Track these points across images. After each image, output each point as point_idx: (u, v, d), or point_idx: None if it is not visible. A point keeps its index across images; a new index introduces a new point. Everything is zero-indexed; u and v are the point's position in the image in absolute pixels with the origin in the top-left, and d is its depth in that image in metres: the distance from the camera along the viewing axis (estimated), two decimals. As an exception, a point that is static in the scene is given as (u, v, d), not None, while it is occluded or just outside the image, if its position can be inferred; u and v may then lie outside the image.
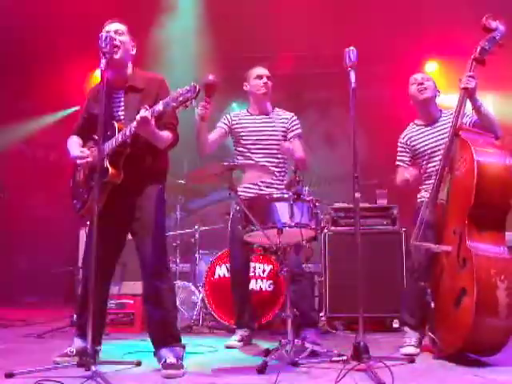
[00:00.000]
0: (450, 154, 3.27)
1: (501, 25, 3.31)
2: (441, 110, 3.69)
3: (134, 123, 2.88)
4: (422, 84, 3.65)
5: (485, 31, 3.32)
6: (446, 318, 3.12)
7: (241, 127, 4.00)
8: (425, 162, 3.64)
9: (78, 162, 3.16)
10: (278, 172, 3.90)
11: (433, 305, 3.17)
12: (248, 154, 3.94)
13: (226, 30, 6.21)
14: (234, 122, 4.02)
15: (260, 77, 4.00)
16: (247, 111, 4.10)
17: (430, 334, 3.23)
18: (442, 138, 3.53)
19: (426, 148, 3.63)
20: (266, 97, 4.04)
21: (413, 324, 3.43)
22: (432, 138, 3.62)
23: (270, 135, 3.94)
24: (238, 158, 4.00)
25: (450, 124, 3.37)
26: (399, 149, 3.76)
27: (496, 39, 3.30)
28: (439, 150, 3.52)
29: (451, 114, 3.53)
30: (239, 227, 3.21)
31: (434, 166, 3.51)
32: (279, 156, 3.93)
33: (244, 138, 3.98)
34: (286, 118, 4.01)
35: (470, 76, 3.30)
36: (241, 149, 3.99)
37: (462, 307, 2.98)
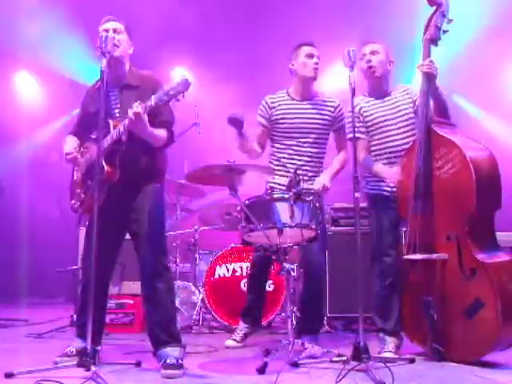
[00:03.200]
0: (428, 154, 3.10)
1: None
2: (392, 87, 3.53)
3: (127, 120, 2.88)
4: (369, 61, 3.41)
5: (430, 5, 3.18)
6: (456, 328, 2.99)
7: (280, 113, 3.68)
8: (375, 139, 3.47)
9: (67, 157, 3.17)
10: (315, 162, 3.68)
11: (435, 317, 3.03)
12: (286, 142, 3.68)
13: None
14: (272, 110, 3.69)
15: (310, 56, 3.63)
16: (287, 94, 3.75)
17: (433, 344, 3.05)
18: (392, 113, 3.43)
19: (376, 121, 3.46)
20: (314, 81, 3.68)
21: (388, 329, 3.33)
22: (385, 110, 3.45)
23: (311, 123, 3.65)
24: (274, 145, 3.75)
25: (404, 104, 3.37)
26: (349, 120, 3.38)
27: (445, 15, 3.17)
28: (393, 124, 3.42)
29: (402, 90, 3.48)
30: (239, 226, 3.19)
31: (386, 144, 3.43)
32: (320, 146, 3.69)
33: (283, 124, 3.67)
34: (333, 107, 3.69)
35: (431, 61, 3.17)
36: (278, 136, 3.72)
37: (480, 318, 2.89)
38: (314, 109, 3.69)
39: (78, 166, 3.24)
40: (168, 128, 3.10)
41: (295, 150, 3.67)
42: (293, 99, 3.72)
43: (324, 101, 3.73)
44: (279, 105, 3.71)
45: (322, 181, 3.55)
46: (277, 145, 3.74)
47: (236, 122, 3.44)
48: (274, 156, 3.76)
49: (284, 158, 3.70)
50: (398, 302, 3.31)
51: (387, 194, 3.45)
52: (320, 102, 3.72)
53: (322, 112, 3.69)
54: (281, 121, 3.69)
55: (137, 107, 2.83)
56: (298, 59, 3.65)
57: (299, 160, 3.64)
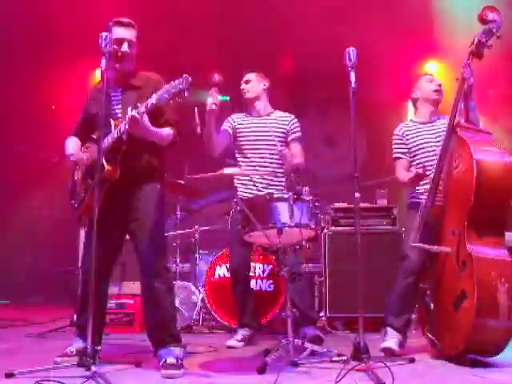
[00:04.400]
0: (447, 153, 3.23)
1: (498, 16, 3.23)
2: (439, 114, 3.70)
3: (127, 120, 2.88)
4: (440, 85, 3.68)
5: (481, 23, 3.24)
6: (445, 319, 3.09)
7: (240, 128, 4.05)
8: (417, 160, 3.60)
9: (72, 158, 3.17)
10: (274, 172, 3.90)
11: (432, 306, 3.14)
12: (248, 155, 3.97)
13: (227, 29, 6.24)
14: (235, 124, 4.07)
15: (244, 82, 4.14)
16: (248, 112, 4.16)
17: (429, 335, 3.20)
18: (437, 137, 3.53)
19: (419, 143, 3.61)
20: (251, 100, 4.09)
21: (397, 326, 3.36)
22: (427, 135, 3.61)
23: (268, 136, 3.95)
24: (238, 158, 4.05)
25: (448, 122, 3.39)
26: (396, 141, 3.70)
27: (493, 31, 3.21)
28: (433, 149, 3.52)
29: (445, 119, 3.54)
30: (238, 227, 3.21)
31: (427, 165, 3.48)
32: (276, 157, 3.91)
33: (243, 138, 4.03)
34: (286, 120, 4.04)
35: (469, 69, 3.24)
36: (240, 150, 4.04)
37: (461, 310, 2.95)
38: (269, 123, 4.03)
39: (79, 165, 3.24)
40: (173, 126, 3.10)
41: (256, 162, 3.94)
42: (250, 115, 4.12)
43: (279, 116, 4.08)
44: (241, 120, 4.10)
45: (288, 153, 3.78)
46: (241, 158, 4.02)
47: (216, 86, 3.68)
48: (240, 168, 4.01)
49: (247, 170, 3.95)
50: (414, 304, 3.39)
51: (423, 200, 3.47)
52: (275, 117, 4.08)
53: (277, 125, 4.02)
54: (242, 133, 4.03)
55: (131, 111, 2.83)
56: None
57: (260, 170, 3.89)
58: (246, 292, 4.02)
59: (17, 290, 7.07)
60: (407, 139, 3.66)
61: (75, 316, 3.45)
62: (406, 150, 3.66)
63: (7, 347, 3.72)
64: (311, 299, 4.54)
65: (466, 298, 2.93)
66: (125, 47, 3.09)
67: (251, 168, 3.94)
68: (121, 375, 2.81)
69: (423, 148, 3.60)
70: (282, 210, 3.06)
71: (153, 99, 2.83)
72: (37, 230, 7.46)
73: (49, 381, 2.58)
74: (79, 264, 3.92)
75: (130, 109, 2.86)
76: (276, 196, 3.19)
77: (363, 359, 2.76)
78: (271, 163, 3.92)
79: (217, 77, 3.68)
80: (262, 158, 3.94)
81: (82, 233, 4.65)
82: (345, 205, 4.74)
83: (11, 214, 7.32)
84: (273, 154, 3.92)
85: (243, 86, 4.11)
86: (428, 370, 2.93)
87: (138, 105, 2.87)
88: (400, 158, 3.67)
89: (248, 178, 3.94)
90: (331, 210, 4.73)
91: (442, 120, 3.63)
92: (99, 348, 3.05)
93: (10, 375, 2.67)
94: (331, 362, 3.01)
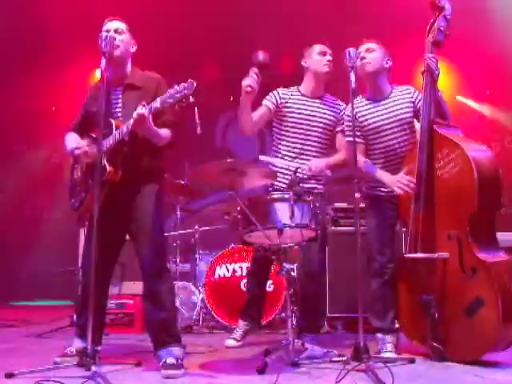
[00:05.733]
0: (427, 153, 3.11)
1: (449, 1, 3.18)
2: (392, 85, 3.49)
3: (131, 121, 2.88)
4: (363, 58, 3.38)
5: (433, 9, 3.20)
6: (456, 327, 2.98)
7: (289, 107, 3.70)
8: (371, 143, 3.45)
9: (76, 152, 3.15)
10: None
11: (436, 315, 3.01)
12: (292, 140, 3.69)
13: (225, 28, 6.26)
14: (282, 101, 3.70)
15: (324, 53, 3.69)
16: (298, 90, 3.78)
17: (433, 343, 3.04)
18: (391, 117, 3.39)
19: (371, 126, 3.42)
20: (326, 78, 3.72)
21: (386, 328, 3.32)
22: (381, 115, 3.41)
23: (320, 122, 3.68)
24: (276, 140, 3.76)
25: (402, 105, 3.34)
26: (348, 123, 3.42)
27: (447, 18, 3.16)
28: (389, 128, 3.39)
29: (405, 90, 3.44)
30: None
31: (383, 148, 3.41)
32: (323, 146, 3.71)
33: (290, 119, 3.69)
34: (339, 109, 3.74)
35: (434, 56, 3.16)
36: (283, 131, 3.72)
37: (480, 317, 2.88)
38: (322, 107, 3.73)
39: (79, 163, 3.23)
40: (171, 127, 3.10)
41: (299, 149, 3.68)
42: (303, 95, 3.75)
43: (332, 101, 3.79)
44: (290, 98, 3.72)
45: (318, 163, 3.57)
46: (283, 142, 3.73)
47: (264, 66, 3.41)
48: (279, 154, 3.74)
49: (288, 156, 3.70)
50: (393, 301, 3.32)
51: (383, 194, 3.44)
52: (328, 101, 3.78)
53: (329, 111, 3.74)
54: (289, 114, 3.70)
55: (141, 109, 2.83)
56: (312, 56, 3.71)
57: (303, 159, 3.65)
58: (263, 293, 3.91)
59: (17, 290, 7.08)
60: (360, 121, 3.44)
61: (75, 316, 3.45)
62: (359, 133, 3.43)
63: (7, 347, 3.72)
64: (324, 304, 4.28)
65: (483, 305, 2.87)
66: (111, 33, 3.07)
67: (293, 154, 3.67)
68: (121, 375, 2.82)
69: (378, 132, 3.41)
70: (283, 210, 3.06)
71: (157, 103, 2.82)
72: (37, 229, 7.47)
73: (49, 381, 2.58)
74: (79, 264, 3.92)
75: (140, 107, 2.84)
76: (276, 196, 3.19)
77: (363, 359, 2.75)
78: (316, 151, 3.67)
79: (261, 55, 3.39)
80: (307, 144, 3.66)
81: (82, 233, 4.65)
82: (345, 205, 4.74)
83: (11, 214, 7.32)
84: (319, 140, 3.67)
85: (330, 58, 3.65)
86: (428, 370, 2.92)
87: (144, 104, 2.86)
88: (357, 142, 3.35)
89: (286, 166, 3.62)
90: (331, 210, 4.73)
91: (395, 93, 3.46)
92: (99, 348, 3.05)
93: (10, 375, 2.67)
94: (331, 362, 3.00)
